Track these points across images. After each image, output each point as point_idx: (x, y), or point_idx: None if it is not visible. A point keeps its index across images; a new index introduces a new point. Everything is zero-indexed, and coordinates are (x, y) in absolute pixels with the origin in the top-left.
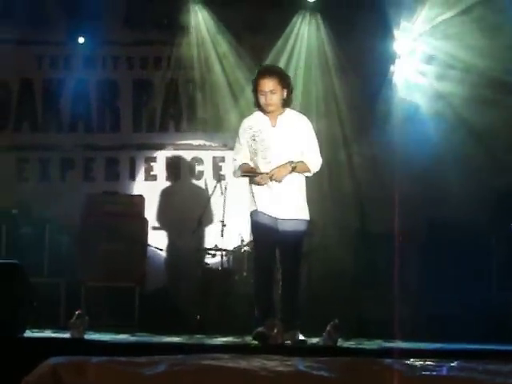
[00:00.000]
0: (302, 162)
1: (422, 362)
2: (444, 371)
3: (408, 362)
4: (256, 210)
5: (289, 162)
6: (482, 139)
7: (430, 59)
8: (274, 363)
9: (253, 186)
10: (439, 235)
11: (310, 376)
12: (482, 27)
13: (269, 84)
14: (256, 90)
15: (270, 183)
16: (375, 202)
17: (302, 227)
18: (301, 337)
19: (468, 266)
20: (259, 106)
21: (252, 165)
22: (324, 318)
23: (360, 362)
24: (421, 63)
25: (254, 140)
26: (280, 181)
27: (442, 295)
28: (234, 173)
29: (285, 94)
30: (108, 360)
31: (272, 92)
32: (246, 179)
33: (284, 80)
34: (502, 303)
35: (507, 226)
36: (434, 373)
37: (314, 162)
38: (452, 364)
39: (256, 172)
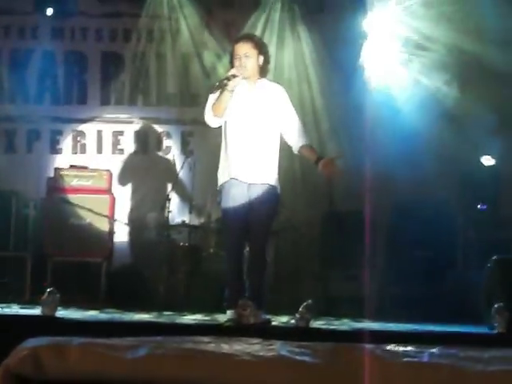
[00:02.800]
0: (306, 148)
1: (403, 348)
2: (425, 358)
3: (389, 348)
4: (227, 181)
5: (316, 160)
6: (451, 117)
7: (403, 40)
8: (255, 347)
9: (226, 149)
10: (407, 214)
11: (293, 361)
12: (460, 8)
13: (243, 47)
14: (231, 61)
15: (245, 149)
16: (344, 181)
17: (274, 198)
18: (265, 316)
19: (435, 246)
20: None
21: (223, 121)
22: (292, 298)
23: (342, 348)
24: (394, 44)
25: (231, 96)
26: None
27: (409, 275)
28: (208, 114)
29: (261, 60)
30: (89, 342)
31: (246, 55)
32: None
33: (259, 46)
34: (468, 284)
35: (474, 207)
36: (416, 359)
37: (304, 134)
38: (433, 350)
39: (224, 82)
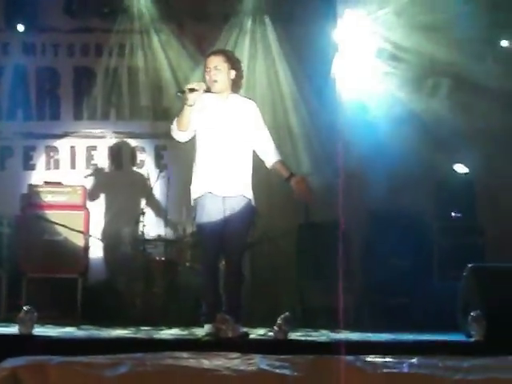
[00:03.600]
0: (279, 164)
1: (382, 359)
2: (405, 368)
3: (369, 359)
4: (202, 195)
5: (288, 176)
6: (424, 127)
7: (376, 51)
8: (236, 362)
9: (198, 163)
10: (382, 224)
11: (273, 375)
12: (426, 19)
13: (214, 60)
14: (204, 76)
15: (218, 163)
16: (319, 192)
17: (249, 211)
18: (243, 329)
19: (410, 256)
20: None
21: (189, 135)
22: (268, 310)
23: (322, 360)
24: (367, 55)
25: (202, 111)
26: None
27: (385, 284)
28: (173, 129)
29: (232, 74)
30: (69, 361)
31: (216, 68)
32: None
33: (231, 60)
34: (443, 293)
35: (449, 215)
36: (396, 370)
37: (276, 149)
38: (412, 361)
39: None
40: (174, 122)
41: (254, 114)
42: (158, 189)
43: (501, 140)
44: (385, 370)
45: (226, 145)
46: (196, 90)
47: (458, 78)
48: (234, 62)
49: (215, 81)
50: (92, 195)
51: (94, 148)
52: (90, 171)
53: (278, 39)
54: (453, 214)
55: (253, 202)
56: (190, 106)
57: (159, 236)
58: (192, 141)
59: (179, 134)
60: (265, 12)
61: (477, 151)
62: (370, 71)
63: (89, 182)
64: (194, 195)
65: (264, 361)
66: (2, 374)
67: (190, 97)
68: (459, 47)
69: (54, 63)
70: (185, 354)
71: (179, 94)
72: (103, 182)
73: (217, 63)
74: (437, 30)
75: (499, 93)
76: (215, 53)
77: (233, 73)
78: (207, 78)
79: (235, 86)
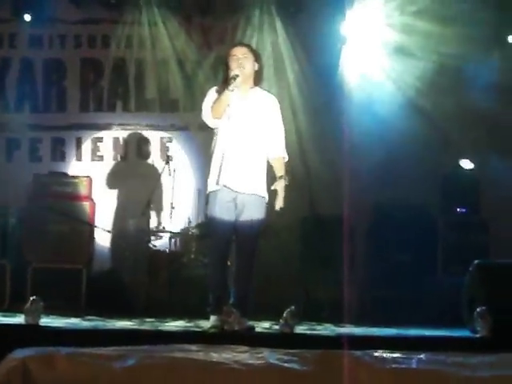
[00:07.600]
0: (278, 160)
1: (391, 355)
2: (413, 364)
3: (377, 354)
4: (217, 189)
5: (278, 176)
6: (431, 121)
7: (381, 43)
8: (244, 355)
9: (217, 159)
10: (387, 218)
11: (282, 369)
12: (435, 14)
13: (241, 49)
14: (227, 64)
15: (236, 158)
16: (324, 185)
17: (262, 207)
18: (249, 323)
19: (414, 250)
20: (228, 81)
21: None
22: (273, 303)
23: (330, 355)
24: (372, 47)
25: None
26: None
27: (389, 278)
28: (207, 115)
29: (256, 66)
30: (77, 352)
31: (245, 57)
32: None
33: (256, 53)
34: (447, 287)
35: (454, 210)
36: (404, 366)
37: (283, 147)
38: (420, 356)
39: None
40: (207, 108)
41: (274, 108)
42: (163, 181)
43: (508, 136)
44: (393, 366)
45: (245, 140)
46: (238, 77)
47: (466, 74)
48: (257, 56)
49: (243, 68)
50: (98, 186)
51: (99, 140)
52: (95, 163)
53: (286, 31)
54: (457, 209)
55: (266, 199)
56: (232, 91)
57: (164, 228)
58: (201, 133)
59: (213, 121)
60: (272, 3)
61: (483, 147)
62: (377, 64)
63: (94, 174)
64: (209, 187)
65: (273, 355)
66: (11, 364)
67: (234, 82)
68: (467, 42)
69: (60, 54)
70: (193, 347)
71: (235, 77)
72: (109, 174)
73: (245, 52)
74: (445, 24)
75: (506, 89)
76: (241, 44)
77: (256, 65)
78: (233, 65)
79: (257, 78)
